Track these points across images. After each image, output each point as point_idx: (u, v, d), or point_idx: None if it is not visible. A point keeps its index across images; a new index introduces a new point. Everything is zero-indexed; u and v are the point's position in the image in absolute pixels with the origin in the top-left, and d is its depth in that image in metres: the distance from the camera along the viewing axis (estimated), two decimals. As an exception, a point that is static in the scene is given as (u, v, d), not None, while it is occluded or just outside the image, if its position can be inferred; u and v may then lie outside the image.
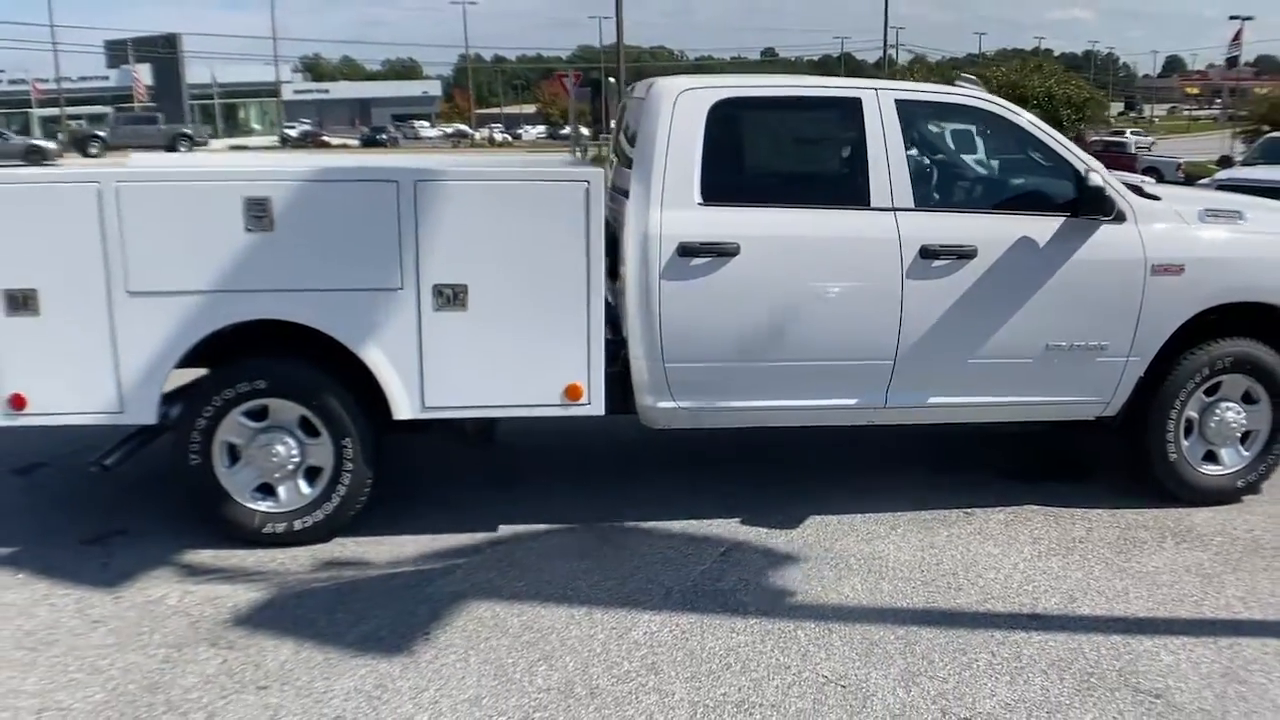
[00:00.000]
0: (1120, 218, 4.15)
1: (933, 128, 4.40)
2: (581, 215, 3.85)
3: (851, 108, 4.11)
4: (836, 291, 4.06)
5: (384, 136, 59.35)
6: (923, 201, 4.12)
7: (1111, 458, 4.98)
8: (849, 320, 4.09)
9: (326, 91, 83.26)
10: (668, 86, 4.07)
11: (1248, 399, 4.40)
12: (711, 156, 4.00)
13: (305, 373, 3.98)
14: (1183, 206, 4.34)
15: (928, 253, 4.05)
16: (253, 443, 4.00)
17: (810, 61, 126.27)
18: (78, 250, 3.72)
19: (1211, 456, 4.44)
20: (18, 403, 3.81)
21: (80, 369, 3.81)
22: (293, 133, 60.57)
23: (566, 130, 74.52)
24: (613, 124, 5.80)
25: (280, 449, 3.99)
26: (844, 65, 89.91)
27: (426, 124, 75.05)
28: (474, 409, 4.03)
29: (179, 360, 3.84)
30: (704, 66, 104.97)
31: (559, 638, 3.39)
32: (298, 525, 4.05)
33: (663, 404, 4.10)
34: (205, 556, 3.99)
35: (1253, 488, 4.49)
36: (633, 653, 3.30)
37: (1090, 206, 4.11)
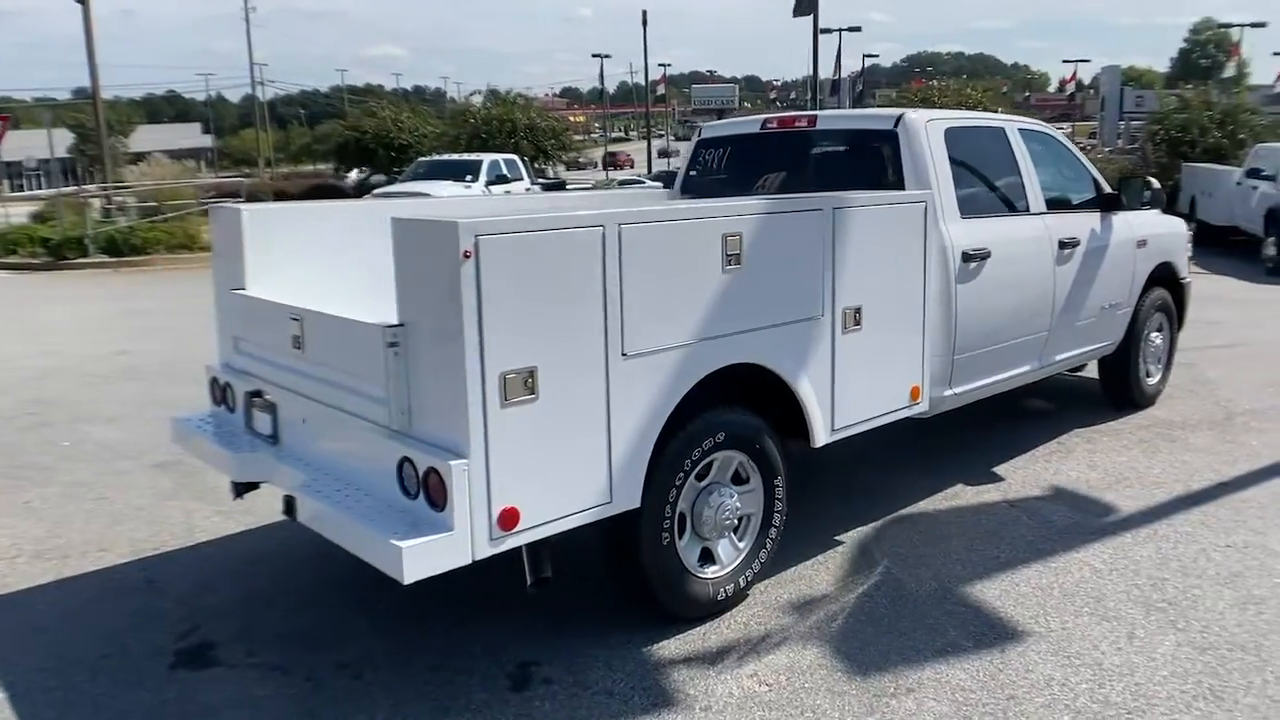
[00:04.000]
0: (1116, 211, 5.86)
1: (1033, 149, 5.60)
2: (921, 230, 4.29)
3: (1004, 134, 5.16)
4: (1034, 281, 5.09)
5: None
6: (1047, 206, 5.34)
7: (1052, 395, 6.80)
8: (1037, 302, 5.15)
9: None
10: (918, 118, 4.65)
11: (1159, 329, 6.48)
12: (955, 176, 4.71)
13: (749, 418, 3.73)
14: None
15: (1062, 244, 5.29)
16: (701, 504, 3.63)
17: (134, 101, 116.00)
18: (578, 309, 3.06)
19: (1148, 372, 6.45)
20: (510, 520, 2.95)
21: (573, 458, 3.11)
22: None
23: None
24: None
25: (730, 503, 3.69)
26: (212, 107, 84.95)
27: None
28: (859, 424, 4.15)
29: (663, 426, 3.35)
30: (8, 106, 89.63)
31: (1059, 591, 3.88)
32: (742, 582, 3.78)
33: (945, 392, 4.69)
34: (677, 648, 3.52)
35: (1163, 391, 6.62)
36: (1112, 579, 3.97)
37: (1112, 203, 5.75)
